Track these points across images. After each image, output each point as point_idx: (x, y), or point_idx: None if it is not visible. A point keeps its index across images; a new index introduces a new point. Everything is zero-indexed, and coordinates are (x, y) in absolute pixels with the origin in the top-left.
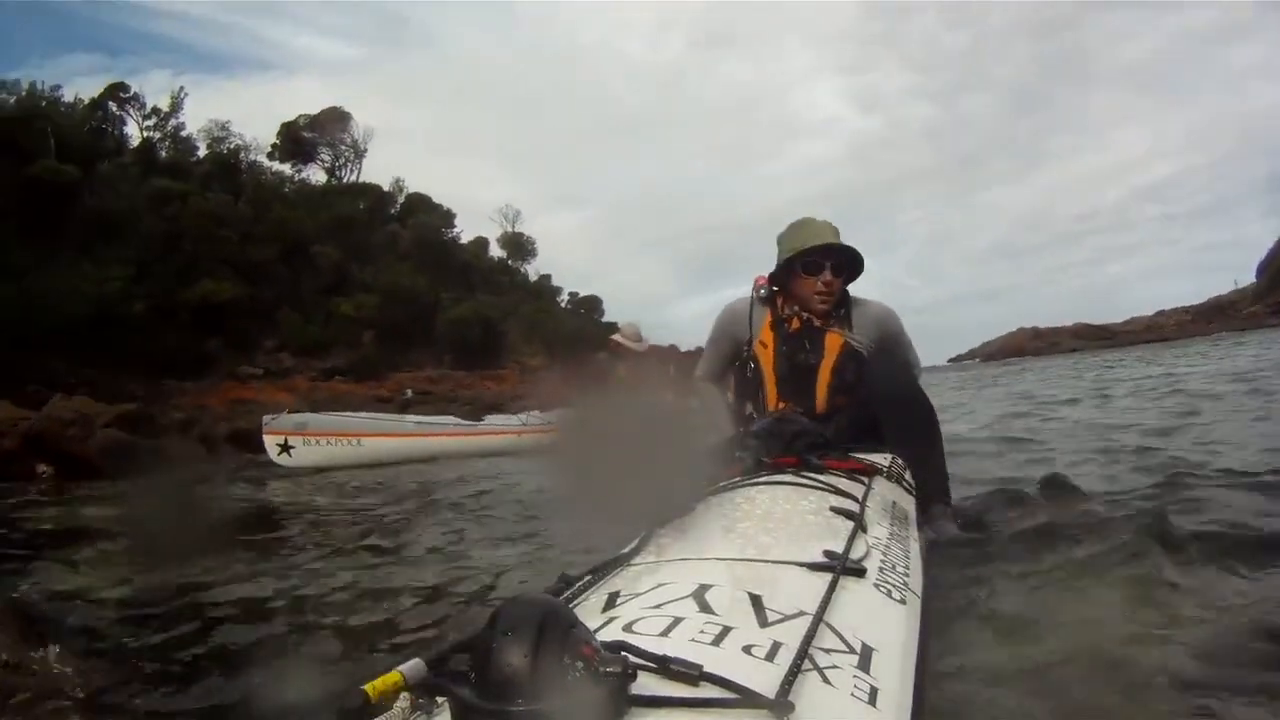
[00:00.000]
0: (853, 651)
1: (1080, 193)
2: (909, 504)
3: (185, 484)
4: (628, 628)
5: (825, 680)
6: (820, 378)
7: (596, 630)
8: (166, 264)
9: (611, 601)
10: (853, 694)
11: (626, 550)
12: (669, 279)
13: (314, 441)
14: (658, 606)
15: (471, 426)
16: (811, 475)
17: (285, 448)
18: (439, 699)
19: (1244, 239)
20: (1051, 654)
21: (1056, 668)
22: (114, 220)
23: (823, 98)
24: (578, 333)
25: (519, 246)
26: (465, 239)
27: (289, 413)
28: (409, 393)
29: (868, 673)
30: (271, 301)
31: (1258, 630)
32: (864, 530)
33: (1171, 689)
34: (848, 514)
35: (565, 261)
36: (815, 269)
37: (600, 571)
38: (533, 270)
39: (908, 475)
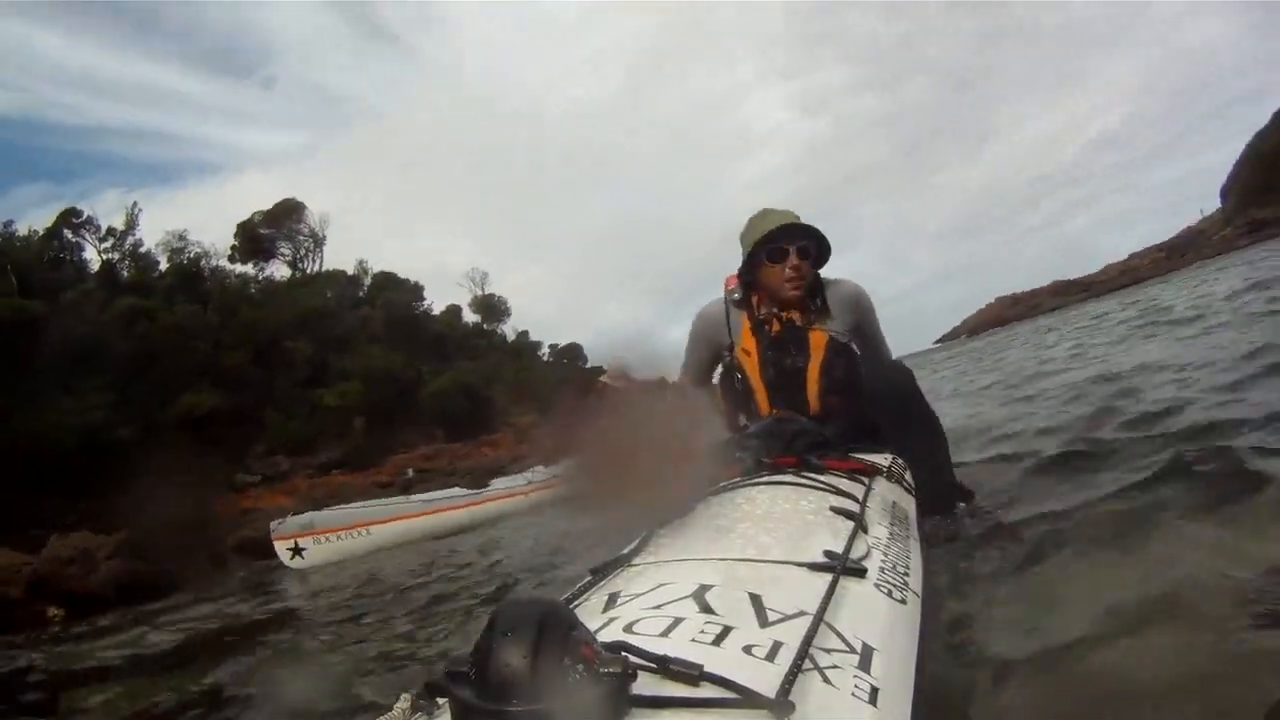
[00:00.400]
0: (853, 651)
1: (1034, 157)
2: (909, 504)
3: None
4: (628, 628)
5: (826, 680)
6: (810, 380)
7: (596, 631)
8: (144, 384)
9: (612, 602)
10: (853, 694)
11: (626, 551)
12: (649, 310)
13: (324, 539)
14: (658, 607)
15: (478, 494)
16: (811, 475)
17: (297, 550)
18: (439, 699)
19: (1203, 168)
20: (1053, 653)
21: (1059, 667)
22: (86, 348)
23: (770, 106)
24: (564, 385)
25: (491, 308)
26: (437, 309)
27: (293, 515)
28: (410, 472)
29: (868, 673)
30: (254, 405)
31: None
32: (864, 530)
33: (1177, 689)
34: (848, 514)
35: (541, 314)
36: (780, 255)
37: (600, 572)
38: (509, 329)
39: (908, 475)
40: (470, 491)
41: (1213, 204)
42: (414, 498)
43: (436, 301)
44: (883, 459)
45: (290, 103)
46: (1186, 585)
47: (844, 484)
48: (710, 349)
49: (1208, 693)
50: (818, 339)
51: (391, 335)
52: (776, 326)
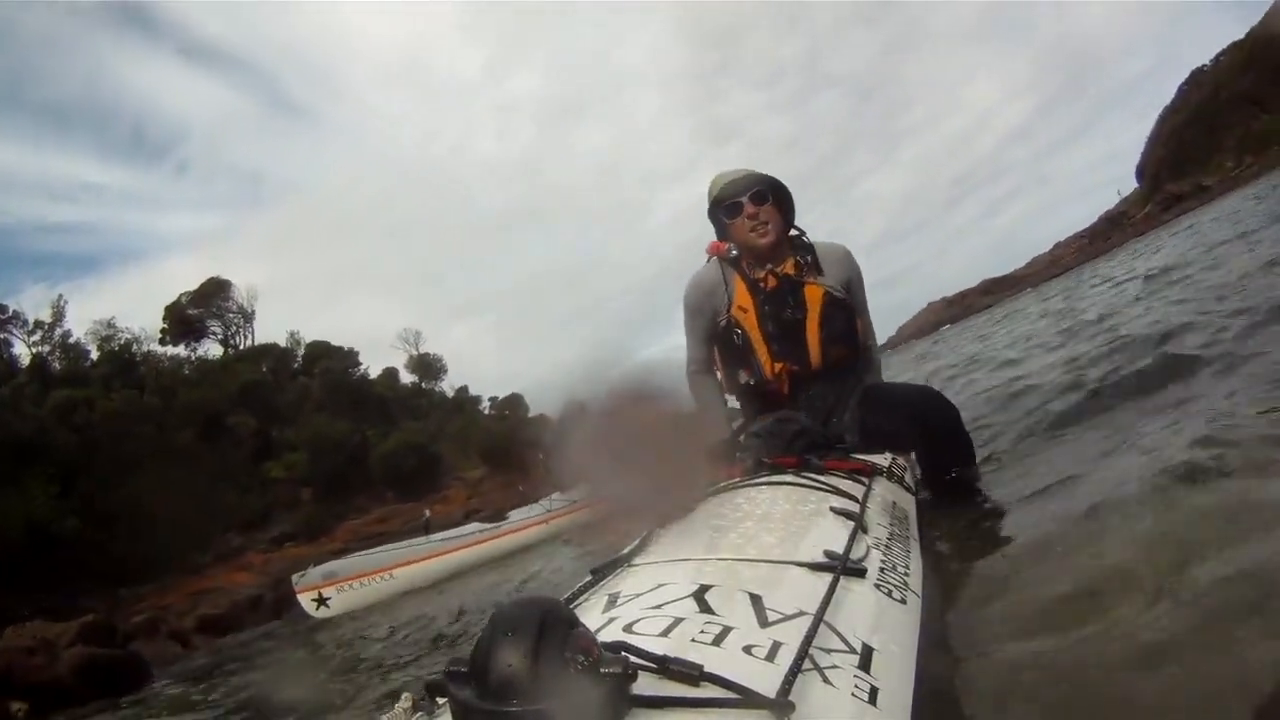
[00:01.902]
0: (853, 651)
1: (949, 157)
2: (909, 504)
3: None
4: (628, 628)
5: (825, 680)
6: (809, 331)
7: (597, 631)
8: (88, 473)
9: (612, 602)
10: (853, 694)
11: (627, 551)
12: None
13: (348, 586)
14: (658, 607)
15: (496, 529)
16: (812, 476)
17: (321, 600)
18: (439, 699)
19: (1116, 151)
20: (1054, 652)
21: (1059, 667)
22: (25, 443)
23: (678, 141)
24: (509, 435)
25: (428, 367)
26: (374, 373)
27: (314, 566)
28: (427, 513)
29: (868, 673)
30: (204, 484)
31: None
32: (864, 530)
33: (1179, 689)
34: (848, 514)
35: (479, 369)
36: (736, 209)
37: (601, 572)
38: (447, 386)
39: (908, 475)
40: (488, 526)
41: (1130, 184)
42: (433, 538)
43: (372, 365)
44: (882, 459)
45: (205, 184)
46: (1192, 586)
47: (844, 484)
48: (709, 318)
49: (1211, 693)
50: (813, 292)
51: (333, 402)
52: (772, 282)
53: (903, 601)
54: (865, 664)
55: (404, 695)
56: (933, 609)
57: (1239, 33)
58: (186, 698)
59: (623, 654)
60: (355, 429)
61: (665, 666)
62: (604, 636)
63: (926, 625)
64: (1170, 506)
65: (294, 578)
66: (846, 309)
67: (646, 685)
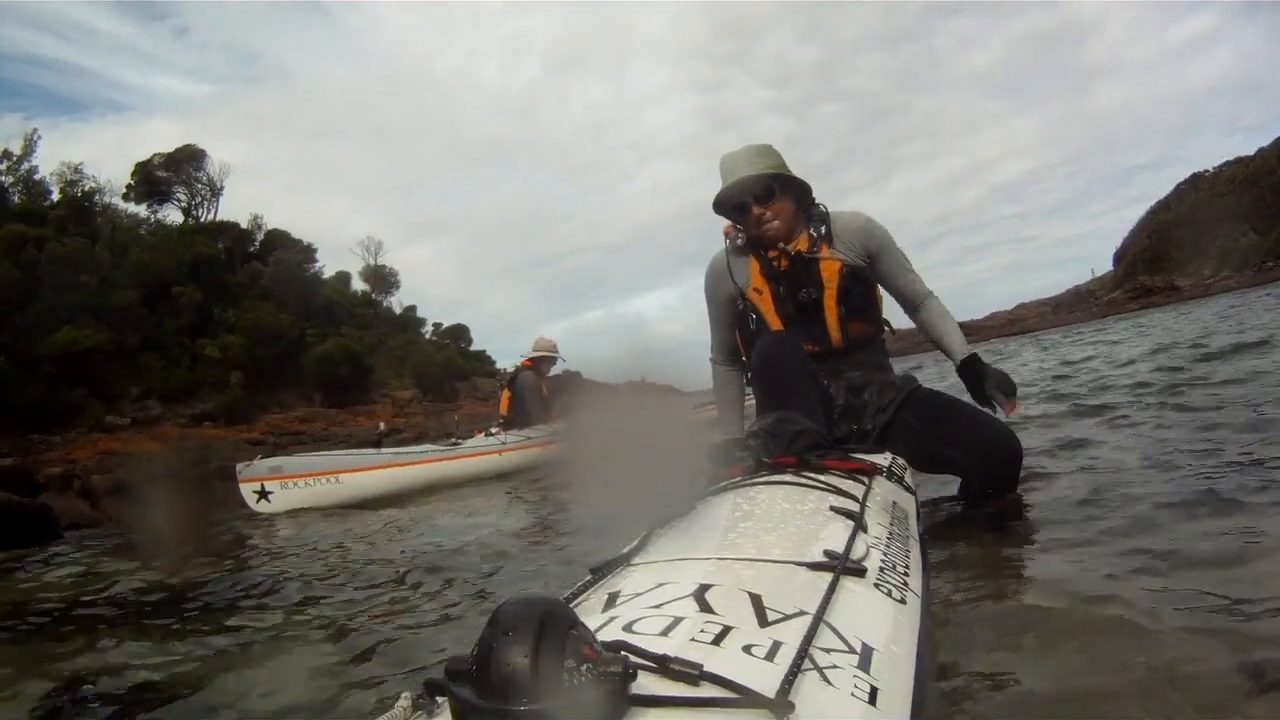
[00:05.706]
0: (853, 651)
1: (935, 197)
2: (909, 504)
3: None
4: (628, 627)
5: (825, 680)
6: (827, 310)
7: (596, 630)
8: (24, 313)
9: (611, 601)
10: (853, 694)
11: (626, 550)
12: (534, 303)
13: (292, 484)
14: (658, 606)
15: (450, 451)
16: (812, 475)
17: (263, 494)
18: (439, 699)
19: (1098, 231)
20: (1054, 652)
21: (1060, 667)
22: None
23: (677, 116)
24: (447, 364)
25: (382, 279)
26: (328, 274)
27: (261, 458)
28: (382, 425)
29: (868, 672)
30: (135, 347)
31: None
32: (864, 530)
33: (1181, 687)
34: (848, 514)
35: (429, 292)
36: (742, 210)
37: (600, 571)
38: (397, 302)
39: (908, 475)
40: (443, 447)
41: (1105, 267)
42: (385, 450)
43: (328, 266)
44: (883, 459)
45: (201, 52)
46: (1195, 590)
47: (844, 484)
48: (726, 302)
49: (1214, 694)
50: (829, 268)
51: (281, 293)
52: (785, 262)
53: (902, 601)
54: (865, 664)
55: (403, 694)
56: (933, 609)
57: (1248, 149)
58: (95, 566)
59: (622, 653)
60: (296, 324)
61: (665, 666)
62: (604, 636)
63: (926, 625)
64: (1180, 523)
65: (238, 467)
66: (865, 282)
67: (646, 684)
